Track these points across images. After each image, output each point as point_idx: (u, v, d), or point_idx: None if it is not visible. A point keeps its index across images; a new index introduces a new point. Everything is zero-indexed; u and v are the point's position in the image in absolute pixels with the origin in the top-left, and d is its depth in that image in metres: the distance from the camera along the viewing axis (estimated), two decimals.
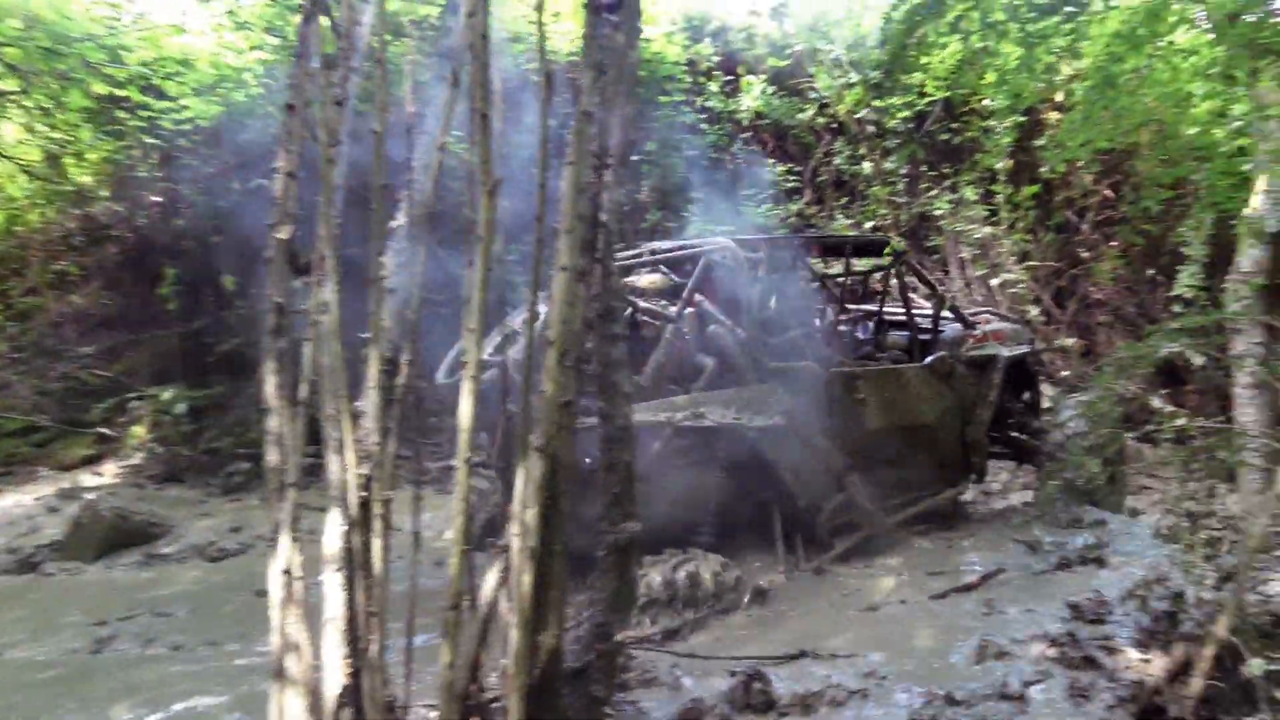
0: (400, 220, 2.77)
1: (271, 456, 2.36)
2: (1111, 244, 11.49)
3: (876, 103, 11.12)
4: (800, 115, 11.44)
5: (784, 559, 5.31)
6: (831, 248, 7.48)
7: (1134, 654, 3.71)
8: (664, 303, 5.77)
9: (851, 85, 11.25)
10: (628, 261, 5.90)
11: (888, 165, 11.20)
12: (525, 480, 2.47)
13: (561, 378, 2.47)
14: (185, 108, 8.32)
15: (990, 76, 10.13)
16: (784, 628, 4.53)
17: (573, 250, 2.36)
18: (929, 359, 6.00)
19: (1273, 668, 3.23)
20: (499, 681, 2.67)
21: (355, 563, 2.32)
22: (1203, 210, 9.39)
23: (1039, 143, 11.35)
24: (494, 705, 2.74)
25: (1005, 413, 6.41)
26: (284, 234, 2.42)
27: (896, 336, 6.63)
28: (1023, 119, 10.63)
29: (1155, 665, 3.54)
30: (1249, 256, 6.81)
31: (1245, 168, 7.38)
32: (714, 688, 3.71)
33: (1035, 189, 10.91)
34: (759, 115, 11.35)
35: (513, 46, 8.98)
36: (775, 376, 5.38)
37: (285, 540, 2.30)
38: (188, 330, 9.29)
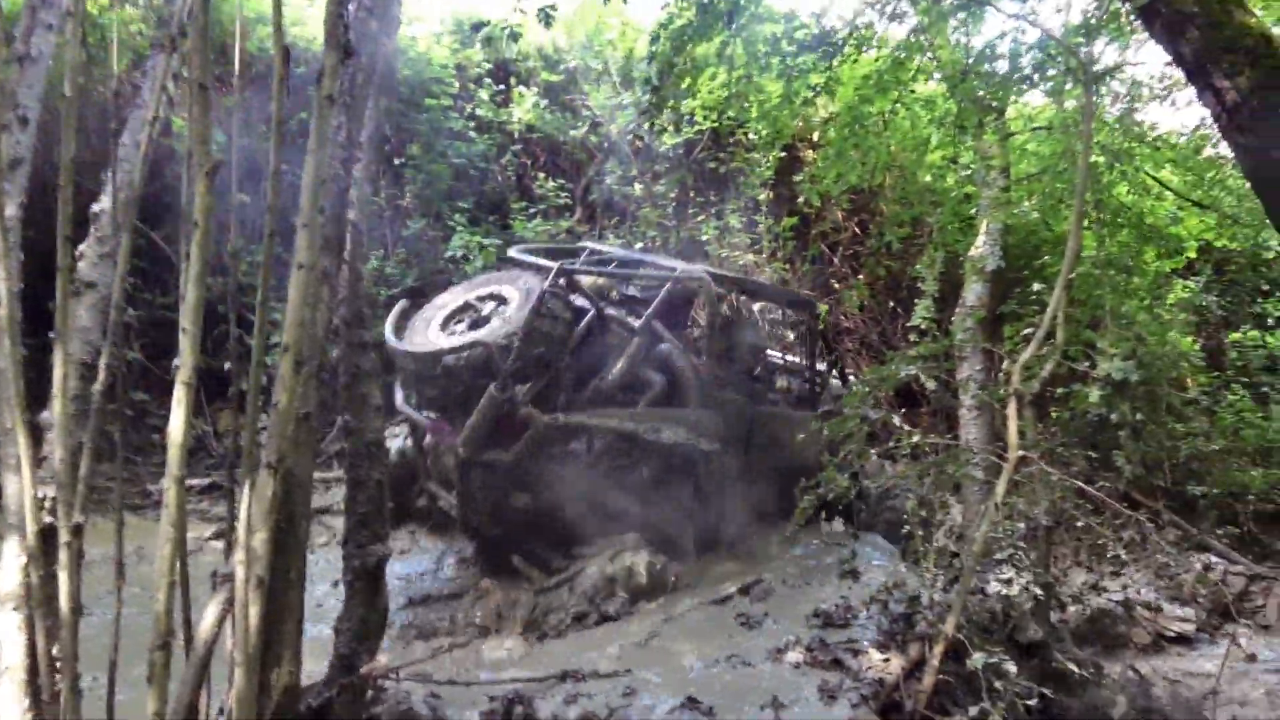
0: (103, 204, 2.51)
1: None
2: (859, 276, 12.98)
3: (647, 125, 11.72)
4: (573, 132, 11.76)
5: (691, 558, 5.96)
6: (766, 296, 8.49)
7: (876, 655, 4.20)
8: (624, 312, 6.31)
9: (624, 106, 11.77)
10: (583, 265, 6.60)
11: (658, 189, 11.82)
12: (255, 500, 2.32)
13: (298, 387, 2.36)
14: None
15: (754, 110, 11.14)
16: (551, 648, 4.60)
17: (311, 247, 2.27)
18: (822, 410, 6.83)
19: (992, 660, 3.81)
20: None
21: (35, 600, 2.04)
22: (935, 249, 10.95)
23: (798, 178, 12.61)
24: None
25: None
26: None
27: (787, 381, 7.75)
28: (782, 154, 11.75)
29: (894, 664, 4.04)
30: (973, 292, 8.04)
31: (971, 212, 8.74)
32: (473, 715, 3.68)
33: (793, 221, 12.06)
34: (530, 128, 11.51)
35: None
36: (715, 404, 6.03)
37: None
38: None
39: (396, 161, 10.41)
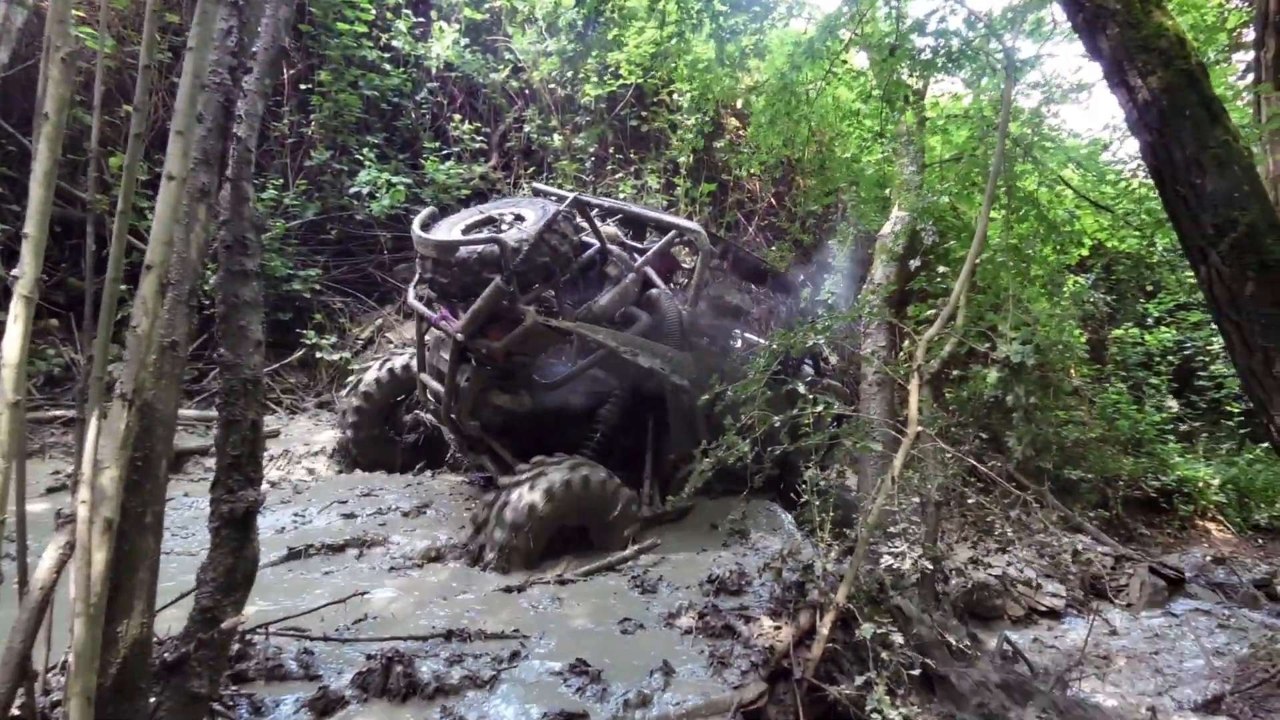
0: None
1: None
2: (771, 248, 13.12)
3: (569, 74, 11.43)
4: (494, 75, 11.35)
5: (646, 497, 6.32)
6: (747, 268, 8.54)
7: (767, 622, 4.24)
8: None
9: (548, 53, 11.43)
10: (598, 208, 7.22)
11: (577, 141, 11.57)
12: (106, 434, 2.10)
13: (162, 312, 2.13)
14: None
15: (682, 71, 11.00)
16: (440, 606, 4.47)
17: (184, 156, 2.03)
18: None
19: (880, 631, 3.89)
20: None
21: None
22: (848, 226, 11.14)
23: (719, 144, 12.59)
24: (56, 712, 2.32)
25: None
26: None
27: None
28: (706, 119, 11.69)
29: (784, 632, 4.08)
30: (881, 270, 8.23)
31: (886, 193, 8.90)
32: (350, 673, 3.54)
33: (712, 187, 12.06)
34: (449, 66, 11.04)
35: None
36: (691, 350, 6.48)
37: None
38: None
39: (303, 87, 9.83)
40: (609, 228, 7.14)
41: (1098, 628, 7.22)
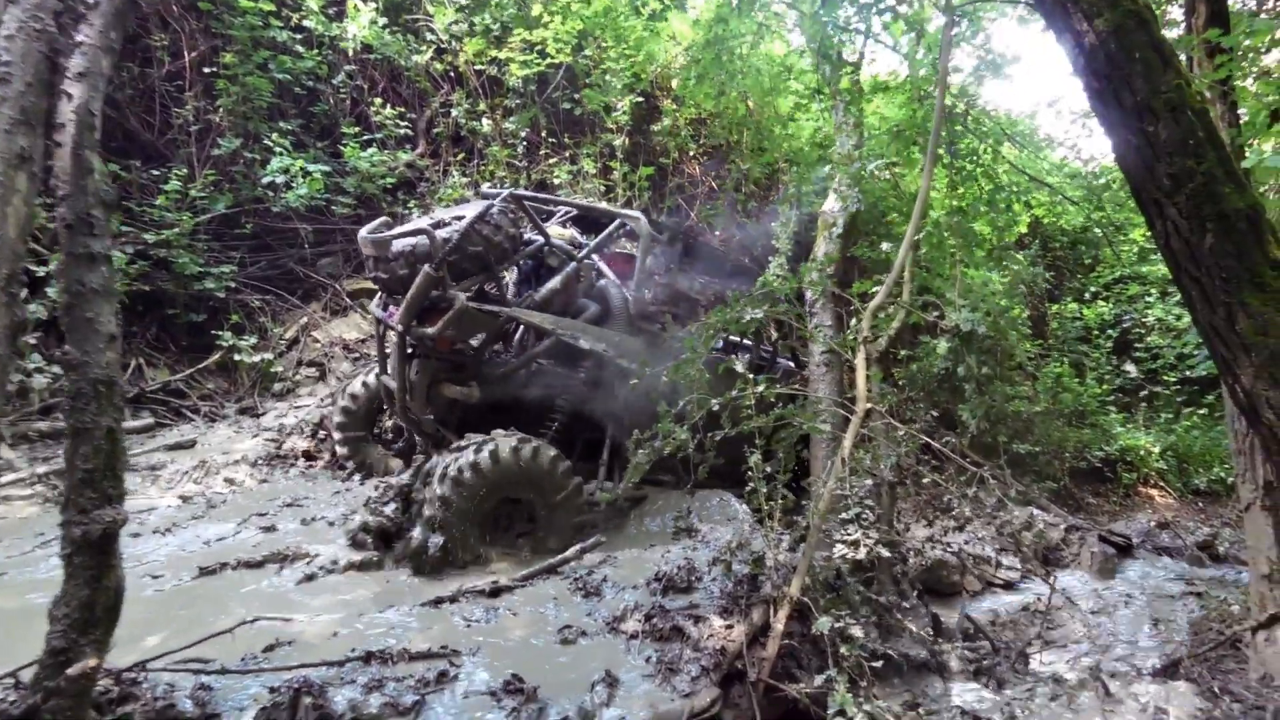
0: None
1: None
2: (716, 232, 12.89)
3: (493, 52, 11.00)
4: (416, 57, 10.86)
5: (603, 482, 6.39)
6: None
7: (718, 622, 3.94)
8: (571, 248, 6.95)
9: (473, 33, 10.98)
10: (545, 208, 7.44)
11: (508, 125, 11.16)
12: None
13: None
14: None
15: (613, 50, 10.68)
16: (364, 624, 4.11)
17: None
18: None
19: (838, 625, 3.64)
20: None
21: None
22: (789, 207, 10.95)
23: (656, 128, 12.28)
24: None
25: None
26: None
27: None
28: (640, 100, 11.38)
29: (736, 631, 3.80)
30: (823, 247, 8.03)
31: (825, 170, 8.71)
32: (254, 710, 3.17)
33: (650, 171, 11.76)
34: (368, 48, 10.51)
35: None
36: (641, 334, 6.56)
37: None
38: None
39: (206, 70, 9.24)
40: (565, 230, 7.37)
41: (1054, 598, 7.19)
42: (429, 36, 11.09)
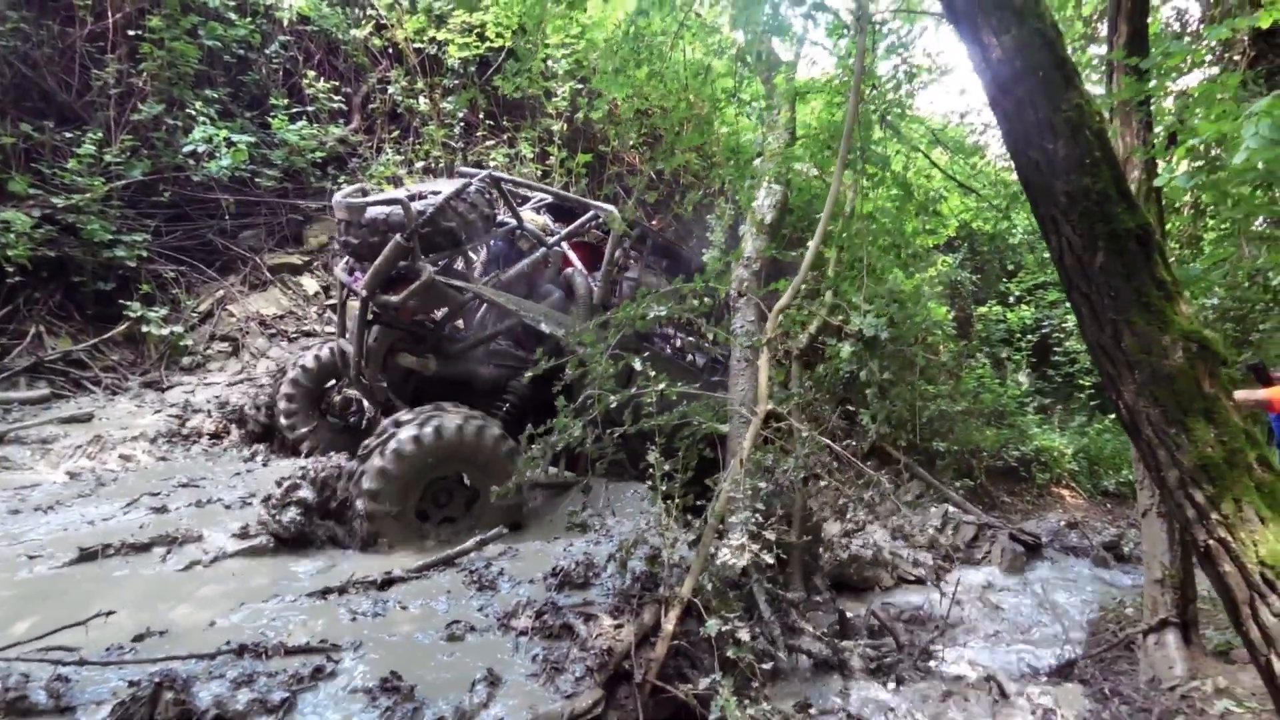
0: None
1: None
2: (653, 222, 12.75)
3: (433, 32, 10.67)
4: (354, 31, 10.46)
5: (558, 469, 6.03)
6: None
7: (608, 621, 3.80)
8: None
9: (414, 10, 10.63)
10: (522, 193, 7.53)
11: (446, 105, 10.84)
12: None
13: None
14: None
15: (555, 36, 10.44)
16: (244, 614, 3.90)
17: None
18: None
19: (726, 628, 3.55)
20: None
21: None
22: (725, 202, 10.86)
23: (597, 115, 12.08)
24: None
25: None
26: None
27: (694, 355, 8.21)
28: (580, 86, 11.16)
29: (626, 631, 3.69)
30: (751, 244, 7.94)
31: (756, 164, 8.63)
32: (111, 704, 2.95)
33: (588, 158, 11.56)
34: (304, 19, 10.09)
35: None
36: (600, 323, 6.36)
37: None
38: None
39: (131, 32, 8.74)
40: (539, 217, 7.43)
41: (961, 594, 7.28)
42: (370, 11, 10.70)
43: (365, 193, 6.77)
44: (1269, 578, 2.76)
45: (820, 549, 6.74)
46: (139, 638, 3.56)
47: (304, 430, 7.01)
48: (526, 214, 7.21)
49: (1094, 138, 3.21)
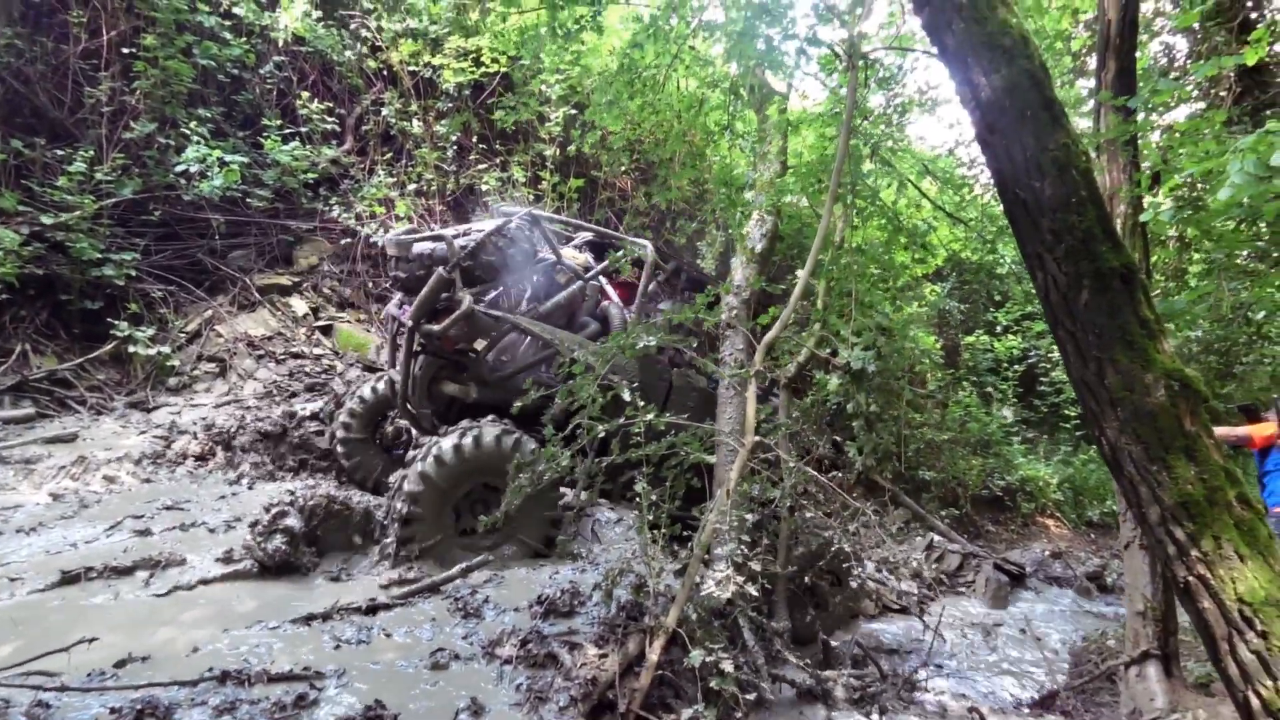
0: None
1: None
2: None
3: (427, 57, 10.78)
4: (349, 53, 10.55)
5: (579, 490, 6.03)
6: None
7: (592, 650, 3.80)
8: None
9: (409, 33, 10.73)
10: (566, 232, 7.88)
11: (439, 128, 10.92)
12: None
13: None
14: None
15: (549, 61, 10.55)
16: (228, 641, 3.87)
17: None
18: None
19: (710, 659, 3.55)
20: None
21: None
22: (716, 229, 10.98)
23: (590, 139, 12.19)
24: None
25: None
26: None
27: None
28: (574, 111, 11.26)
29: (610, 660, 3.69)
30: (741, 273, 8.02)
31: (748, 196, 8.73)
32: None
33: (580, 183, 11.65)
34: (300, 40, 10.17)
35: None
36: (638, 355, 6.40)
37: None
38: None
39: (125, 51, 8.78)
40: (579, 255, 7.73)
41: (946, 624, 7.29)
42: (364, 34, 10.80)
43: (414, 233, 7.04)
44: (1247, 615, 2.80)
45: (837, 587, 6.72)
46: (121, 663, 3.54)
47: (358, 459, 7.30)
48: (569, 251, 7.54)
49: (1080, 177, 3.29)
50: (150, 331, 7.99)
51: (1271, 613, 2.81)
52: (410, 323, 6.09)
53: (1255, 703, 2.80)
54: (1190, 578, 2.92)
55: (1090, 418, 3.21)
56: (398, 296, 7.15)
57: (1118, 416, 3.06)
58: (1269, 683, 2.76)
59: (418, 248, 6.38)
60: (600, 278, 7.51)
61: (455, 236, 6.43)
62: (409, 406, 6.42)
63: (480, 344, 6.51)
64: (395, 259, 6.57)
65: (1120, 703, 5.61)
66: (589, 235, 8.21)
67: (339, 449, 7.35)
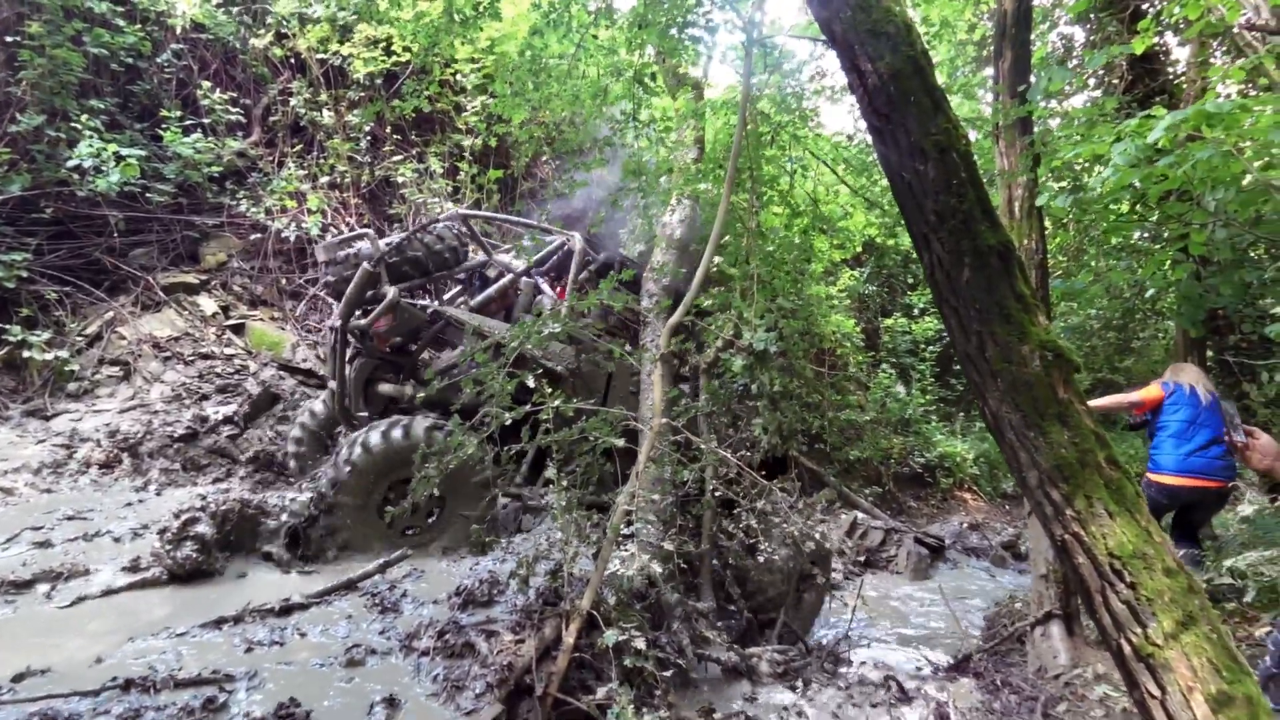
0: None
1: None
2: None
3: (335, 46, 10.55)
4: (254, 41, 10.26)
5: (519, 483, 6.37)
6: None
7: (508, 636, 3.85)
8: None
9: (316, 19, 10.49)
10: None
11: (351, 118, 10.72)
12: None
13: None
14: None
15: (464, 50, 10.45)
16: (135, 649, 3.79)
17: None
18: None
19: (623, 638, 3.63)
20: None
21: None
22: (635, 215, 11.01)
23: (508, 130, 12.13)
24: None
25: None
26: None
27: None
28: (491, 100, 11.19)
29: (527, 645, 3.75)
30: (659, 258, 8.10)
31: (663, 181, 8.81)
32: None
33: (499, 174, 11.59)
34: (199, 26, 9.84)
35: None
36: (575, 344, 6.91)
37: None
38: None
39: (9, 39, 8.37)
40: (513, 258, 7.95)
41: (870, 598, 7.57)
42: (269, 20, 10.50)
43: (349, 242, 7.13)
44: (1117, 567, 3.02)
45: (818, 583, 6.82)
46: (19, 677, 3.44)
47: (310, 469, 7.27)
48: (508, 252, 7.91)
49: (960, 160, 3.47)
50: (46, 335, 7.67)
51: (1139, 564, 3.04)
52: (337, 320, 6.12)
53: (1127, 649, 3.01)
54: (1066, 536, 3.13)
55: (975, 389, 3.40)
56: (337, 308, 7.12)
57: (998, 387, 3.25)
58: (1139, 629, 2.98)
59: (342, 251, 6.45)
60: (533, 274, 7.59)
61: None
62: (346, 410, 6.43)
63: (414, 345, 6.60)
64: (325, 264, 6.61)
65: (1028, 662, 5.93)
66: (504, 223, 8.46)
67: (292, 463, 7.36)
